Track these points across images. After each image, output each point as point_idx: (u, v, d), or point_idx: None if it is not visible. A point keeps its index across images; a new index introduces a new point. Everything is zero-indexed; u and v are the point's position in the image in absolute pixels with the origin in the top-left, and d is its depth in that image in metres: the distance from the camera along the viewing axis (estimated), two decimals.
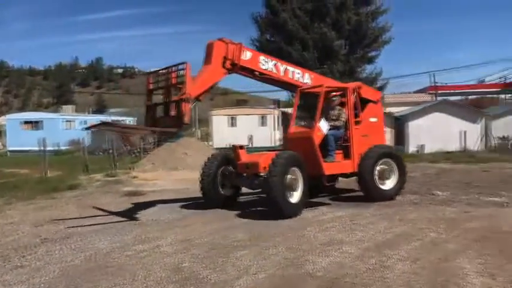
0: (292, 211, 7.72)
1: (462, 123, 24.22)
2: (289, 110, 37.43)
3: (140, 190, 11.74)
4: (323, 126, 8.78)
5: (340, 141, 9.12)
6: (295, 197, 7.99)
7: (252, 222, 7.46)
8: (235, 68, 8.47)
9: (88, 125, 10.30)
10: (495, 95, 48.77)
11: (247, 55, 8.65)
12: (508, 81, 46.95)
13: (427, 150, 23.61)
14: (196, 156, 18.39)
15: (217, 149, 22.86)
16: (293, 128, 9.48)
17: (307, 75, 9.58)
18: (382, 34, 30.53)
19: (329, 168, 8.67)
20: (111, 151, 18.96)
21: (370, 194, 9.08)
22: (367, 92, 9.88)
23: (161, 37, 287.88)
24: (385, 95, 32.29)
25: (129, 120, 39.78)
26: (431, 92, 41.65)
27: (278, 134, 28.69)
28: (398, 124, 25.27)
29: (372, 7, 30.87)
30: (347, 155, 9.06)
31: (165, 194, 11.15)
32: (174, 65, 7.96)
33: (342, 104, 9.56)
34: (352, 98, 9.23)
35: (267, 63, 8.99)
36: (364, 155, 8.98)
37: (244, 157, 8.64)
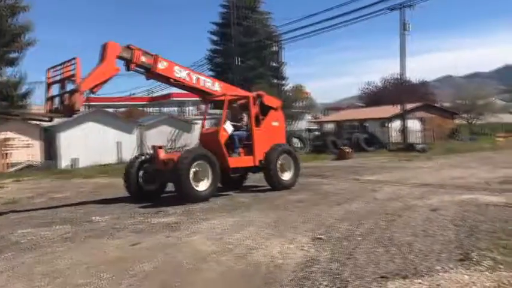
0: (199, 197, 9.13)
1: (118, 134, 23.49)
2: None
3: None
4: (228, 127, 10.35)
5: (243, 141, 10.65)
6: (202, 185, 9.36)
7: None
8: (153, 74, 9.82)
9: None
10: (142, 108, 51.49)
11: (164, 64, 9.81)
12: (153, 95, 50.16)
13: (82, 164, 21.60)
14: None
15: None
16: (204, 130, 11.29)
17: (217, 84, 10.93)
18: (24, 33, 26.76)
19: (233, 162, 10.25)
20: None
21: (273, 183, 10.64)
22: (269, 101, 11.51)
23: None
24: (32, 106, 28.14)
25: None
26: (84, 103, 39.69)
27: None
28: (48, 136, 22.24)
29: (11, 1, 26.73)
30: (249, 152, 10.61)
31: None
32: (68, 60, 8.80)
33: (244, 109, 11.10)
34: (253, 105, 10.77)
35: (181, 72, 10.16)
36: (268, 151, 10.65)
37: (162, 155, 9.84)
